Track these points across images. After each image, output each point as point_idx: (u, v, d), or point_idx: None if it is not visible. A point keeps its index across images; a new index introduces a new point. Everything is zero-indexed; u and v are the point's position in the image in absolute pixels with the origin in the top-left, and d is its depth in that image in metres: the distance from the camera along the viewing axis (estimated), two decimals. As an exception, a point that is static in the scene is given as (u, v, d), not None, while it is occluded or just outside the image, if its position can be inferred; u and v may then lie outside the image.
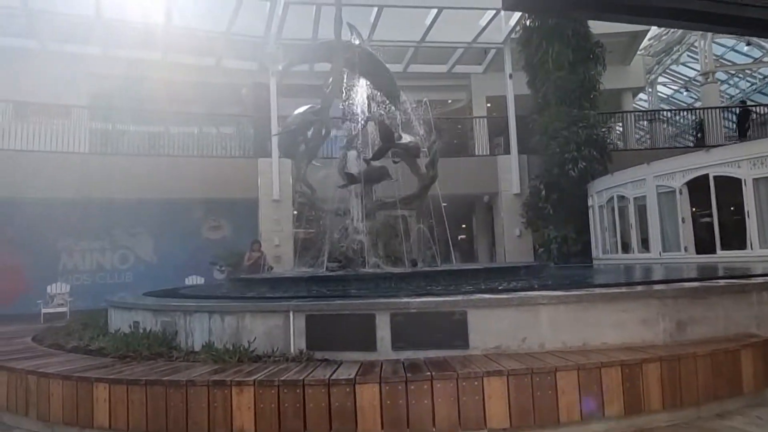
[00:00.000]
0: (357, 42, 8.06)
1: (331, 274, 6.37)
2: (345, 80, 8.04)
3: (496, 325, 4.10)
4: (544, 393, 3.57)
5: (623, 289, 4.35)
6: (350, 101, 8.27)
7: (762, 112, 21.14)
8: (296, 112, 8.21)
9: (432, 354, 4.01)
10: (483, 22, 16.15)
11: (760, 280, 4.73)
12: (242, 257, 13.38)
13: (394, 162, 8.53)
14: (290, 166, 11.31)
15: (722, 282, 4.73)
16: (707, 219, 10.75)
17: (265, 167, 15.51)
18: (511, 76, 17.08)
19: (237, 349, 4.19)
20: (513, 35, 16.97)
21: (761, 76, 26.16)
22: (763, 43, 24.13)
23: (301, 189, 8.27)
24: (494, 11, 15.64)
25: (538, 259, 15.89)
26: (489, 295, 4.23)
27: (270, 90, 15.54)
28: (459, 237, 24.00)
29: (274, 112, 15.24)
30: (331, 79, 7.96)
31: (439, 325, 4.10)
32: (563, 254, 14.81)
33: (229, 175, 15.29)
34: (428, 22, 15.63)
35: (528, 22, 16.31)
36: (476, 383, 3.51)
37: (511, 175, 16.85)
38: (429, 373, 3.54)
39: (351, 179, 7.69)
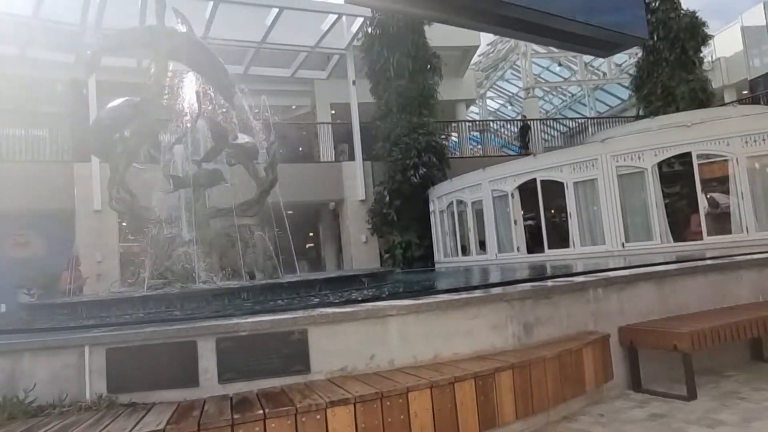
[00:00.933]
0: (184, 29, 7.11)
1: (150, 293, 5.38)
2: (170, 71, 7.05)
3: (342, 343, 3.58)
4: (396, 419, 3.12)
5: (474, 294, 4.10)
6: (177, 95, 7.28)
7: (571, 125, 23.66)
8: (110, 105, 7.02)
9: (267, 384, 3.37)
10: (325, 26, 15.79)
11: (592, 278, 4.80)
12: (56, 277, 11.46)
13: (230, 165, 7.71)
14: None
15: (565, 280, 4.73)
16: (536, 220, 11.44)
17: (83, 173, 13.51)
18: (354, 82, 16.95)
19: (7, 403, 3.15)
20: (356, 42, 16.88)
21: (570, 94, 29.33)
22: (571, 65, 27.14)
23: (118, 195, 7.06)
24: (336, 15, 15.35)
25: (384, 264, 15.89)
26: (333, 309, 3.70)
27: (89, 86, 13.61)
28: (307, 245, 23.40)
29: (94, 112, 13.36)
30: (153, 69, 6.93)
31: (275, 348, 3.46)
32: (407, 259, 14.95)
33: (40, 183, 13.08)
34: (269, 22, 14.87)
35: (370, 30, 16.33)
36: (319, 417, 2.95)
37: (356, 182, 16.67)
38: (261, 411, 2.90)
39: (178, 183, 6.72)
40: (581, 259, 9.81)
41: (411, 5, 7.78)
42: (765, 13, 20.15)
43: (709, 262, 5.31)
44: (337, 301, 4.31)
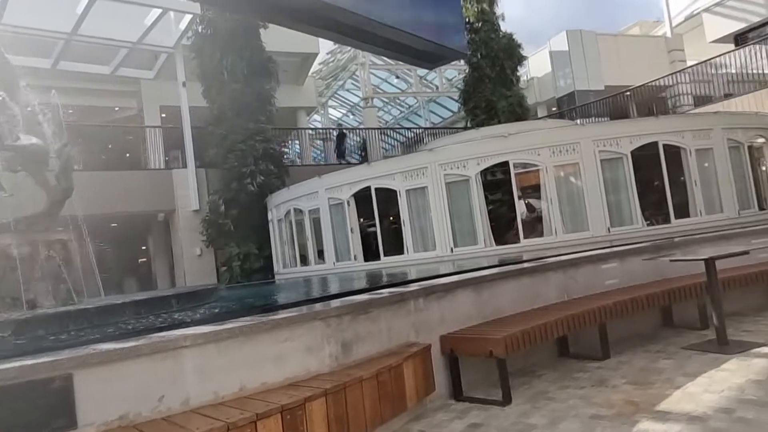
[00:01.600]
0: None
1: None
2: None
3: (121, 386, 2.95)
4: (182, 474, 2.60)
5: (286, 314, 3.70)
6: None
7: (409, 135, 24.52)
8: None
9: (13, 449, 2.63)
10: (149, 21, 14.42)
11: (415, 286, 4.68)
12: None
13: (13, 171, 6.45)
14: None
15: (385, 292, 4.53)
16: (372, 228, 11.42)
17: None
18: (184, 84, 15.74)
19: None
20: (186, 41, 15.69)
21: (407, 105, 30.52)
22: (407, 78, 28.22)
23: None
24: (161, 10, 14.09)
25: (221, 278, 14.92)
26: (109, 345, 3.05)
27: None
28: (139, 260, 21.31)
29: None
30: None
31: (30, 401, 2.73)
32: (246, 271, 14.16)
33: None
34: (80, 10, 13.14)
35: (200, 29, 15.29)
36: (73, 488, 2.32)
37: (188, 191, 15.47)
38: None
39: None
40: (415, 265, 9.95)
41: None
42: (567, 41, 22.70)
43: (520, 266, 5.52)
44: (116, 333, 3.61)
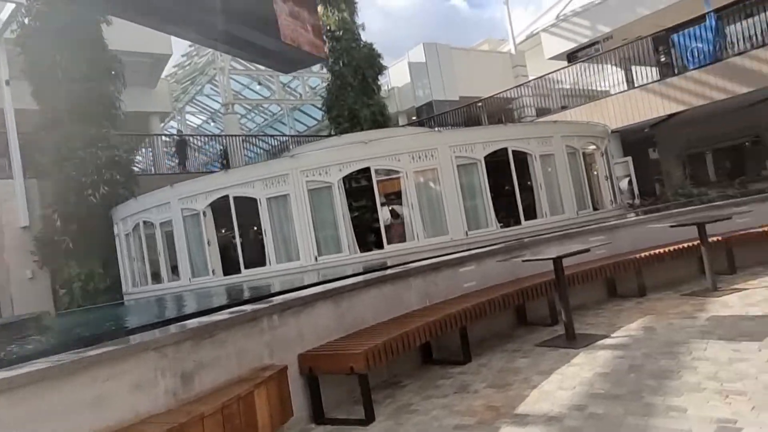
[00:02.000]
0: None
1: None
2: None
3: None
4: None
5: (107, 348, 3.09)
6: None
7: (273, 143, 23.77)
8: None
9: None
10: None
11: (276, 300, 4.26)
12: None
13: None
14: None
15: (235, 311, 4.05)
16: (233, 239, 10.70)
17: None
18: (8, 82, 13.70)
19: None
20: (10, 33, 13.68)
21: (271, 113, 29.70)
22: (270, 85, 27.46)
23: None
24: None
25: (59, 303, 13.14)
26: None
27: None
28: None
29: None
30: None
31: None
32: (90, 293, 12.58)
33: None
34: None
35: (27, 20, 13.41)
36: None
37: (15, 204, 13.45)
38: None
39: None
40: (278, 277, 9.44)
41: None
42: (424, 53, 23.55)
43: (381, 274, 5.33)
44: None
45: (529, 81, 20.58)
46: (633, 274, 6.87)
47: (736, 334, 4.52)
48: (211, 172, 18.58)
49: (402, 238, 9.86)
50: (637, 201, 14.67)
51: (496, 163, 10.49)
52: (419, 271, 5.63)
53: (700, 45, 13.97)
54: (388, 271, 5.46)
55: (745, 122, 16.01)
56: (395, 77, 25.01)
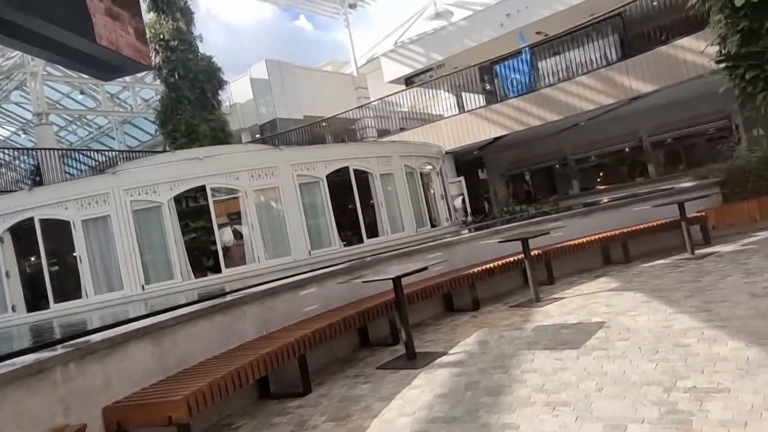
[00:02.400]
0: None
1: None
2: None
3: None
4: None
5: None
6: None
7: (101, 159, 21.36)
8: None
9: None
10: None
11: (60, 351, 3.50)
12: None
13: None
14: None
15: (16, 363, 3.26)
16: (41, 270, 9.18)
17: None
18: None
19: None
20: None
21: (97, 126, 26.80)
22: (96, 95, 24.76)
23: None
24: None
25: None
26: None
27: None
28: None
29: None
30: None
31: None
32: None
33: None
34: None
35: None
36: None
37: None
38: None
39: None
40: (95, 311, 8.25)
41: None
42: (267, 69, 23.03)
43: (211, 303, 4.80)
44: None
45: (371, 102, 21.11)
46: (468, 288, 7.11)
47: (558, 342, 4.79)
48: (20, 190, 16.02)
49: (242, 261, 9.26)
50: (469, 218, 15.63)
51: (339, 181, 10.41)
52: (255, 298, 5.18)
53: (518, 76, 15.43)
54: (220, 300, 4.93)
55: (555, 146, 18.03)
56: (238, 93, 24.09)
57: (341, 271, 6.46)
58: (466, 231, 11.87)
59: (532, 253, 7.42)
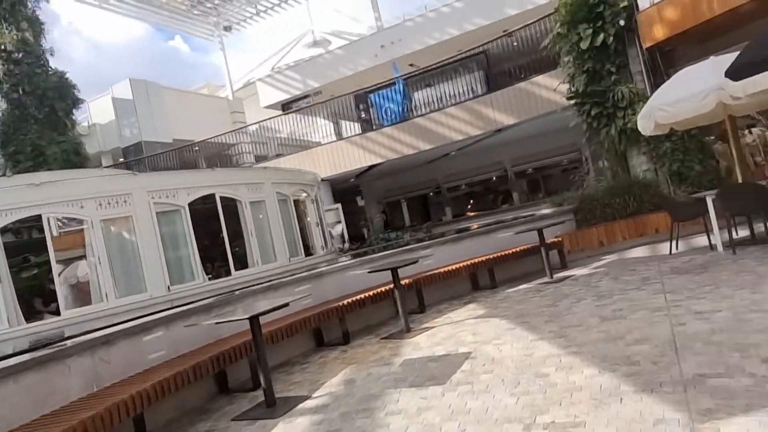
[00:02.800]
0: None
1: None
2: None
3: None
4: None
5: None
6: None
7: None
8: None
9: None
10: None
11: None
12: None
13: None
14: None
15: None
16: None
17: None
18: None
19: None
20: None
21: None
22: None
23: None
24: None
25: None
26: None
27: None
28: None
29: None
30: None
31: None
32: None
33: None
34: None
35: None
36: None
37: None
38: None
39: None
40: None
41: None
42: (131, 89, 21.38)
43: (20, 359, 3.97)
44: None
45: (246, 127, 20.38)
46: (338, 321, 6.77)
47: (424, 378, 4.59)
48: None
49: (86, 300, 8.14)
50: (347, 245, 15.43)
51: (205, 209, 9.66)
52: (83, 348, 4.41)
53: (392, 105, 15.69)
54: (34, 354, 4.11)
55: (429, 175, 18.55)
56: (98, 113, 22.05)
57: (197, 310, 5.82)
58: (345, 258, 11.60)
59: (403, 282, 7.29)
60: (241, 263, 9.93)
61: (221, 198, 9.75)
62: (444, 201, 19.10)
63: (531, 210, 13.64)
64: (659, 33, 9.66)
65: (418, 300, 7.79)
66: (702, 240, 8.08)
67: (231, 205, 9.94)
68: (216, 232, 9.82)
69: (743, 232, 7.90)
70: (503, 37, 14.58)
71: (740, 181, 7.97)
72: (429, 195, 19.74)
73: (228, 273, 9.68)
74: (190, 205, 9.27)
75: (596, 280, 7.28)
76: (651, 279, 6.60)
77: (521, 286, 8.06)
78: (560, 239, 9.26)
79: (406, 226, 18.98)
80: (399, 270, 6.75)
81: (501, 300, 7.38)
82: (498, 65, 15.64)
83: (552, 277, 8.01)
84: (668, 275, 6.61)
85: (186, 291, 8.62)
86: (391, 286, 6.94)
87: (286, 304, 4.97)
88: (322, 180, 16.32)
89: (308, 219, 12.49)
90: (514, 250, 8.67)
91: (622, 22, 10.03)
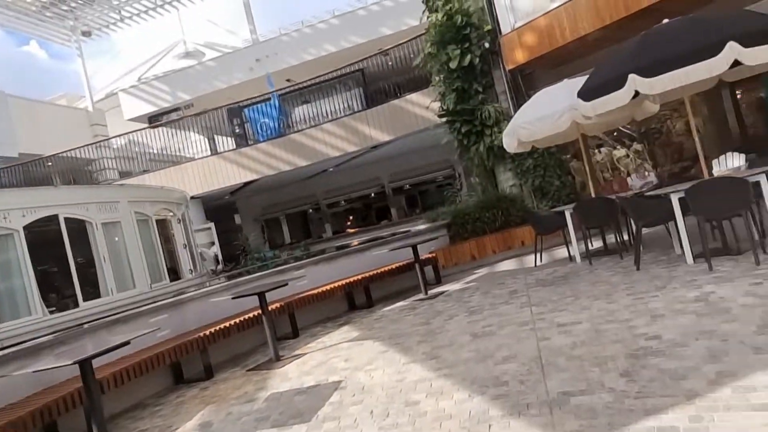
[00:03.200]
0: None
1: None
2: None
3: None
4: None
5: None
6: None
7: None
8: None
9: None
10: None
11: None
12: None
13: None
14: None
15: None
16: None
17: None
18: None
19: None
20: None
21: None
22: None
23: None
24: None
25: None
26: None
27: None
28: None
29: None
30: None
31: None
32: None
33: None
34: None
35: None
36: None
37: None
38: None
39: None
40: None
41: None
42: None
43: None
44: None
45: (107, 140, 18.55)
46: (199, 354, 6.08)
47: (289, 416, 4.14)
48: None
49: None
50: (220, 267, 14.46)
51: (45, 233, 8.40)
52: None
53: (268, 120, 15.10)
54: None
55: (308, 191, 18.12)
56: None
57: (20, 354, 4.87)
58: (216, 282, 10.74)
59: (273, 307, 6.80)
60: (92, 292, 8.76)
61: (66, 219, 8.55)
62: (324, 218, 18.74)
63: (409, 226, 13.73)
64: (520, 56, 10.17)
65: (291, 324, 7.30)
66: (563, 252, 8.49)
67: (78, 228, 8.75)
68: (60, 257, 8.57)
69: (598, 243, 8.42)
70: (379, 56, 14.67)
71: (593, 195, 8.51)
72: (309, 212, 19.28)
73: (76, 304, 8.48)
74: (26, 227, 8.00)
75: (468, 295, 7.30)
76: (518, 292, 6.72)
77: (397, 304, 7.89)
78: (435, 255, 9.28)
79: (287, 244, 18.33)
80: (268, 294, 6.24)
81: (376, 320, 7.12)
82: (375, 83, 15.72)
83: (427, 294, 7.94)
84: (534, 287, 6.77)
85: (19, 328, 7.36)
86: (260, 311, 6.40)
87: (127, 343, 4.27)
88: (193, 197, 15.24)
89: (174, 240, 11.46)
90: (390, 267, 8.50)
91: (486, 45, 10.44)
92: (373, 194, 18.35)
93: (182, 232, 11.51)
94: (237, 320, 6.48)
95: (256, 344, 6.97)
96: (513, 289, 6.98)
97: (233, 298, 6.18)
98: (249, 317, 6.60)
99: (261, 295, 6.06)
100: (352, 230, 18.01)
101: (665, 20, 5.83)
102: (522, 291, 6.72)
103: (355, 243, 11.66)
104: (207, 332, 6.12)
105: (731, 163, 7.44)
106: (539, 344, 4.39)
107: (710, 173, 6.93)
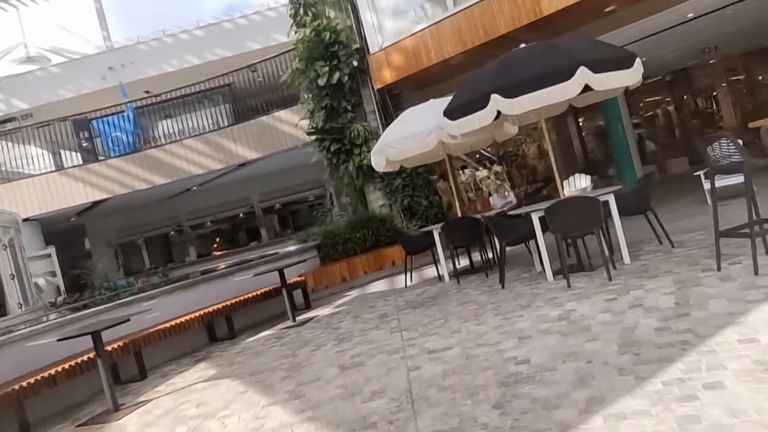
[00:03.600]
0: None
1: None
2: None
3: None
4: None
5: None
6: None
7: None
8: None
9: None
10: None
11: None
12: None
13: None
14: None
15: None
16: None
17: None
18: None
19: None
20: None
21: None
22: None
23: None
24: None
25: None
26: None
27: None
28: None
29: None
30: None
31: None
32: None
33: None
34: None
35: None
36: None
37: None
38: None
39: None
40: None
41: None
42: None
43: None
44: None
45: None
46: (13, 412, 4.94)
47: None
48: None
49: None
50: (61, 299, 12.56)
51: None
52: None
53: (120, 134, 13.57)
54: None
55: (170, 212, 16.60)
56: None
57: None
58: (49, 318, 9.14)
59: (116, 345, 5.83)
60: None
61: None
62: (188, 240, 17.28)
63: (279, 247, 13.01)
64: (388, 76, 10.11)
65: (137, 365, 6.31)
66: (432, 271, 8.41)
67: None
68: None
69: (465, 262, 8.47)
70: (247, 70, 13.88)
71: (459, 214, 8.58)
72: (171, 234, 17.68)
73: None
74: None
75: (338, 321, 6.85)
76: (388, 315, 6.42)
77: (262, 333, 7.22)
78: (304, 278, 8.75)
79: (146, 270, 16.57)
80: (107, 332, 5.29)
81: (238, 353, 6.40)
82: (244, 99, 14.87)
83: (295, 320, 7.37)
84: (404, 310, 6.52)
85: None
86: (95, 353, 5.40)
87: None
88: (29, 219, 13.17)
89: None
90: (255, 294, 7.82)
91: (355, 63, 10.25)
92: (242, 214, 17.31)
93: (9, 260, 9.73)
94: (68, 365, 5.42)
95: (94, 391, 5.89)
96: (383, 312, 6.67)
97: (59, 341, 5.13)
98: (83, 360, 5.56)
99: (95, 335, 5.10)
100: (218, 253, 16.78)
101: (522, 44, 5.97)
102: (392, 314, 6.43)
103: (222, 266, 10.73)
104: (25, 383, 5.01)
105: (579, 183, 7.88)
106: (410, 374, 4.06)
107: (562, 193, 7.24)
